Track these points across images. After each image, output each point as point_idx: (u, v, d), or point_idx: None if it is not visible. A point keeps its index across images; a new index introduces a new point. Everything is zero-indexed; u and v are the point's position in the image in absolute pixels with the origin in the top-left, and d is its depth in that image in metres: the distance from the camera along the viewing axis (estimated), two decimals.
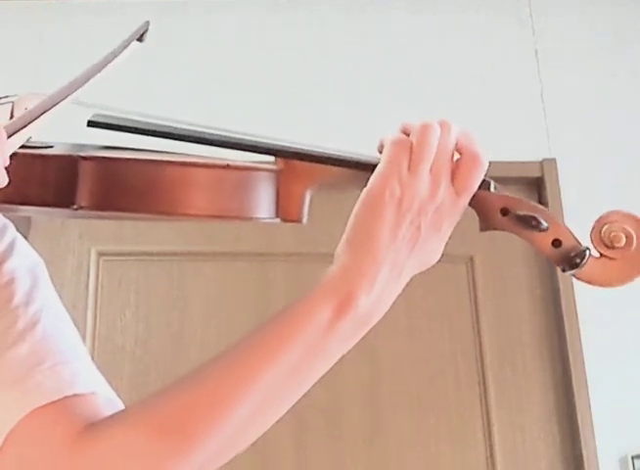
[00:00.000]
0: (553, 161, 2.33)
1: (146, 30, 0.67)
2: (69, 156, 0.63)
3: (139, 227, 2.21)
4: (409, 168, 0.62)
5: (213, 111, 2.27)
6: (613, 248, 0.62)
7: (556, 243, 0.64)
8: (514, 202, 0.64)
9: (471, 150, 0.63)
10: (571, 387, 2.12)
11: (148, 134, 0.67)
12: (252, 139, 0.67)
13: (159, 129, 0.67)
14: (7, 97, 0.73)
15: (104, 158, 0.64)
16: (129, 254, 2.24)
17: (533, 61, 2.46)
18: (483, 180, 0.64)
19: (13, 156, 0.58)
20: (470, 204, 0.65)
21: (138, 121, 0.68)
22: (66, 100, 0.60)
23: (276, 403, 0.63)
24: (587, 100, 2.41)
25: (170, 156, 0.66)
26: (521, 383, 2.17)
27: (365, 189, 0.62)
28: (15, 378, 0.64)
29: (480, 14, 2.51)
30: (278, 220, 0.67)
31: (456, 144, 0.64)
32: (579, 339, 2.14)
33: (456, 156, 0.64)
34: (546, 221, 0.64)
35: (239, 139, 0.67)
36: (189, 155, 0.67)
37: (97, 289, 2.21)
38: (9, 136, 0.55)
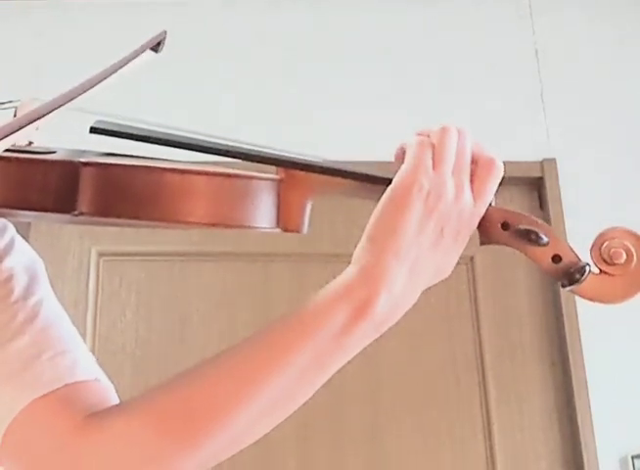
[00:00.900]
0: (553, 161, 2.33)
1: (163, 40, 0.67)
2: (71, 161, 0.63)
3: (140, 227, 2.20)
4: (433, 167, 0.61)
5: (213, 111, 2.28)
6: (613, 264, 0.62)
7: (556, 258, 0.63)
8: (514, 216, 0.64)
9: (487, 156, 0.63)
10: (571, 387, 2.12)
11: (150, 142, 0.66)
12: (253, 149, 0.67)
13: (160, 137, 0.67)
14: (10, 102, 0.74)
15: (105, 164, 0.64)
16: (130, 254, 2.24)
17: (533, 60, 2.46)
18: None
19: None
20: None
21: (140, 129, 0.68)
22: (69, 104, 0.60)
23: (285, 403, 0.63)
24: (587, 100, 2.41)
25: (171, 163, 0.65)
26: (521, 383, 2.17)
27: (391, 186, 0.61)
28: (15, 370, 0.65)
29: (480, 13, 2.51)
30: (278, 230, 0.66)
31: (472, 151, 0.64)
32: (579, 339, 2.14)
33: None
34: (546, 236, 0.63)
35: (240, 148, 0.67)
36: (189, 163, 0.67)
37: (97, 289, 2.21)
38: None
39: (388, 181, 0.62)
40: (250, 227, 0.65)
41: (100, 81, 0.61)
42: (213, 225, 0.64)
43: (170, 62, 2.43)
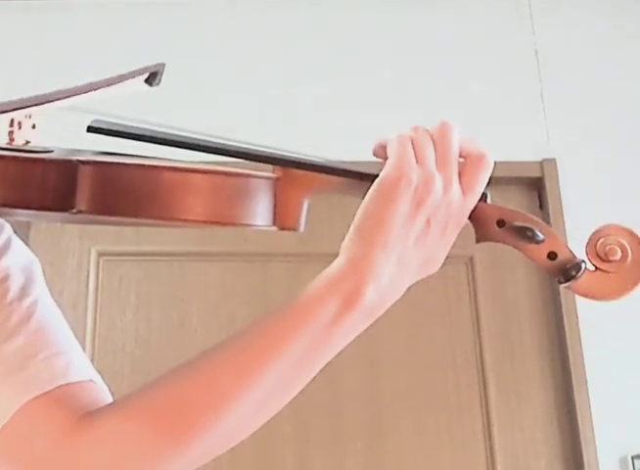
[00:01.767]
0: (553, 161, 2.33)
1: (159, 72, 0.67)
2: (69, 160, 0.64)
3: (139, 227, 2.21)
4: (418, 161, 0.61)
5: (213, 111, 2.28)
6: (608, 261, 0.62)
7: (552, 255, 0.64)
8: (510, 213, 0.65)
9: (476, 150, 0.63)
10: (572, 387, 2.12)
11: (147, 141, 0.67)
12: (250, 147, 0.68)
13: (157, 136, 0.67)
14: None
15: (103, 162, 0.64)
16: (129, 254, 2.24)
17: (533, 60, 2.46)
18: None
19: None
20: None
21: (138, 128, 0.68)
22: (53, 104, 0.61)
23: (279, 394, 0.63)
24: (587, 100, 2.41)
25: (169, 162, 0.66)
26: (521, 383, 2.17)
27: (378, 179, 0.61)
28: (10, 371, 0.65)
29: (480, 14, 2.51)
30: (275, 228, 0.67)
31: (461, 146, 0.64)
32: (579, 339, 2.15)
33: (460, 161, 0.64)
34: (542, 233, 0.64)
35: (236, 147, 0.68)
36: (187, 161, 0.67)
37: (97, 289, 2.22)
38: None
39: None
40: (246, 225, 0.65)
41: (87, 92, 0.61)
42: (211, 223, 0.64)
43: (170, 62, 2.43)
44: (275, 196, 0.66)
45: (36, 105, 0.58)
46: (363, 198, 0.62)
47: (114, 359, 2.13)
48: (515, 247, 0.64)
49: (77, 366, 0.68)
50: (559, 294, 2.18)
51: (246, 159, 0.67)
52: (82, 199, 0.62)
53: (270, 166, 0.67)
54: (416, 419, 2.12)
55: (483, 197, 0.65)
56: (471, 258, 2.23)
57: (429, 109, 2.25)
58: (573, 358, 2.13)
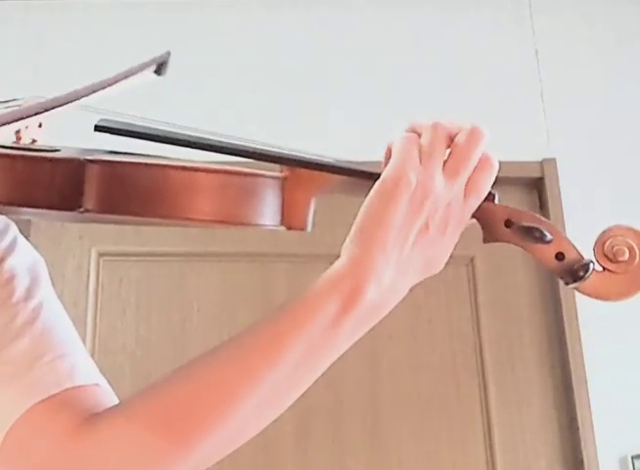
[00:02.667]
0: (553, 161, 2.33)
1: (165, 62, 0.66)
2: (76, 159, 0.63)
3: (140, 228, 2.21)
4: (421, 162, 0.61)
5: (213, 111, 2.28)
6: (616, 262, 0.62)
7: (559, 256, 0.63)
8: (518, 214, 0.64)
9: (483, 154, 0.63)
10: (571, 387, 2.12)
11: (154, 140, 0.66)
12: (258, 147, 0.67)
13: (165, 135, 0.67)
14: (14, 100, 0.74)
15: (110, 161, 0.64)
16: (130, 254, 2.24)
17: (533, 61, 2.46)
18: (488, 192, 0.64)
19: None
20: (474, 215, 0.64)
21: (145, 127, 0.68)
22: (64, 107, 0.60)
23: (281, 397, 0.63)
24: (587, 100, 2.41)
25: (176, 161, 0.65)
26: (521, 383, 2.17)
27: (379, 179, 0.61)
28: (15, 373, 0.65)
29: (480, 14, 2.51)
30: (282, 228, 0.66)
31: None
32: (579, 339, 2.15)
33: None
34: (550, 234, 0.63)
35: (245, 146, 0.67)
36: (194, 161, 0.67)
37: (97, 289, 2.22)
38: None
39: None
40: (255, 225, 0.65)
41: (96, 91, 0.61)
42: (219, 222, 0.64)
43: (170, 62, 2.43)
44: (283, 195, 0.66)
45: (53, 108, 0.58)
46: None
47: (115, 359, 2.13)
48: (522, 247, 0.64)
49: (82, 369, 0.67)
50: (559, 294, 2.18)
51: (253, 158, 0.66)
52: (89, 198, 0.62)
53: (278, 166, 0.67)
54: (416, 419, 2.12)
55: (491, 197, 0.64)
56: (471, 259, 2.23)
57: (429, 109, 2.25)
58: (573, 359, 2.13)
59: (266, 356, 0.61)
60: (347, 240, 0.62)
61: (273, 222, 0.65)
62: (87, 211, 0.62)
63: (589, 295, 0.63)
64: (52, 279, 0.76)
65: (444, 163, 0.62)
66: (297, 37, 2.46)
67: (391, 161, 0.62)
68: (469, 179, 0.63)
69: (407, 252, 0.62)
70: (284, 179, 0.66)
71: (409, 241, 0.61)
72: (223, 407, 0.60)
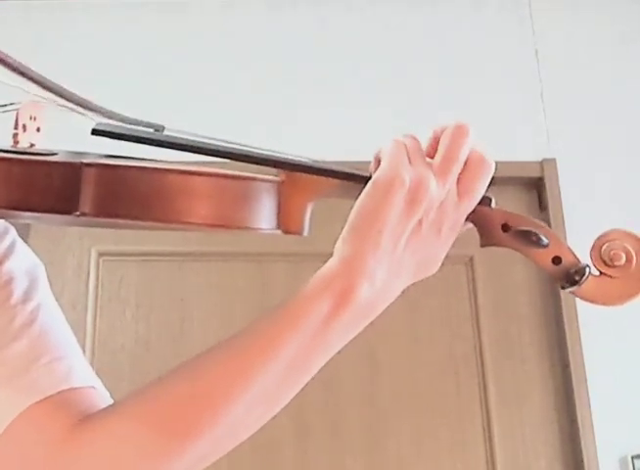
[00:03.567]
0: (553, 161, 2.33)
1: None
2: (73, 162, 0.63)
3: None
4: (410, 163, 0.61)
5: (213, 111, 2.28)
6: (612, 266, 0.62)
7: (556, 260, 0.63)
8: (515, 218, 0.64)
9: (477, 153, 0.63)
10: (571, 387, 2.12)
11: (151, 144, 0.66)
12: (255, 151, 0.67)
13: (162, 139, 0.67)
14: (12, 104, 0.74)
15: (107, 165, 0.64)
16: (129, 254, 2.24)
17: (533, 61, 2.46)
18: (485, 196, 0.64)
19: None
20: (471, 220, 0.64)
21: (142, 130, 0.68)
22: (57, 98, 0.61)
23: (274, 396, 0.63)
24: (587, 100, 2.41)
25: (173, 165, 0.65)
26: (521, 383, 2.17)
27: (372, 180, 0.61)
28: (11, 375, 0.65)
29: (480, 14, 2.51)
30: (279, 232, 0.66)
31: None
32: (579, 339, 2.15)
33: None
34: (547, 238, 0.63)
35: (241, 150, 0.67)
36: (190, 164, 0.67)
37: (97, 289, 2.22)
38: None
39: None
40: (251, 229, 0.65)
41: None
42: (215, 226, 0.64)
43: (170, 62, 2.44)
44: (279, 199, 0.66)
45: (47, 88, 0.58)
46: None
47: (114, 359, 2.13)
48: (519, 251, 0.64)
49: (79, 372, 0.68)
50: (559, 294, 2.18)
51: (250, 162, 0.66)
52: (86, 201, 0.62)
53: (274, 170, 0.67)
54: (416, 419, 2.12)
55: (488, 202, 0.64)
56: (471, 259, 2.23)
57: (429, 108, 2.25)
58: (573, 358, 2.13)
59: (259, 356, 0.61)
60: (340, 239, 0.62)
61: (269, 226, 0.66)
62: (83, 214, 0.62)
63: (586, 299, 0.63)
64: (52, 279, 0.76)
65: (433, 163, 0.62)
66: (297, 37, 2.46)
67: (383, 162, 0.62)
68: (462, 179, 0.62)
69: (400, 252, 0.62)
70: (280, 183, 0.66)
71: (402, 241, 0.61)
72: (217, 407, 0.60)
